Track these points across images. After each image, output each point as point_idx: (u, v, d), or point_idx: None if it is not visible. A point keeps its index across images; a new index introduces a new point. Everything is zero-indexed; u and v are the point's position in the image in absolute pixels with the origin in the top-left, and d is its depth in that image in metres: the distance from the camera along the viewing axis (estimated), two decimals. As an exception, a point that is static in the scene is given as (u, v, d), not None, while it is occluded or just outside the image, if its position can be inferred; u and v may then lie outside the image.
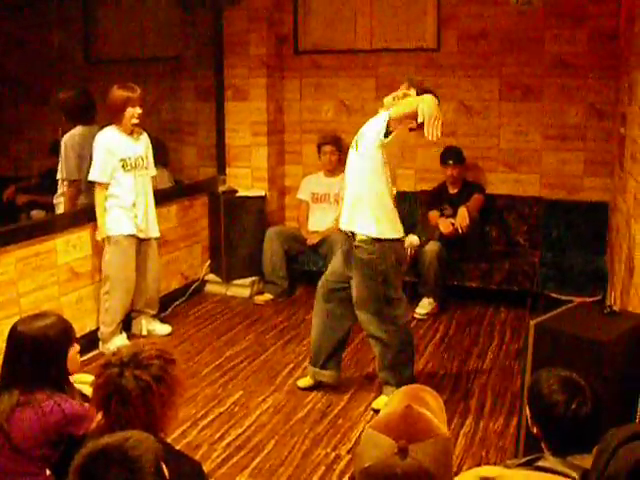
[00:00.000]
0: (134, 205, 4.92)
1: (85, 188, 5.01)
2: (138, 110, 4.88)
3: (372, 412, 4.09)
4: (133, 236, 4.94)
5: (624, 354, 2.94)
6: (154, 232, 5.13)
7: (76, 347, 2.68)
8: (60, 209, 5.06)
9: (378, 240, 3.94)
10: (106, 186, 4.84)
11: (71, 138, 5.02)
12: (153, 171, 5.15)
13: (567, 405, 2.17)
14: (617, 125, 5.33)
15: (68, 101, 5.21)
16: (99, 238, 4.87)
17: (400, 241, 4.10)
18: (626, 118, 4.62)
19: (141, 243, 5.03)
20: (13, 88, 7.13)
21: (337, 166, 6.21)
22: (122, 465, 1.47)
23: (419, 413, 1.48)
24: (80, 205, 5.07)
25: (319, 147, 6.30)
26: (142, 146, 5.02)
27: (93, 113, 5.23)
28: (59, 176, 5.03)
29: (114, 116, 4.89)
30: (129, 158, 4.89)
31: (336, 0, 6.50)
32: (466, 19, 6.07)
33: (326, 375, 4.36)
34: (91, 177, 4.82)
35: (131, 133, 4.94)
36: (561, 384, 2.23)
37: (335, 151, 6.22)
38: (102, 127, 4.94)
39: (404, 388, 1.68)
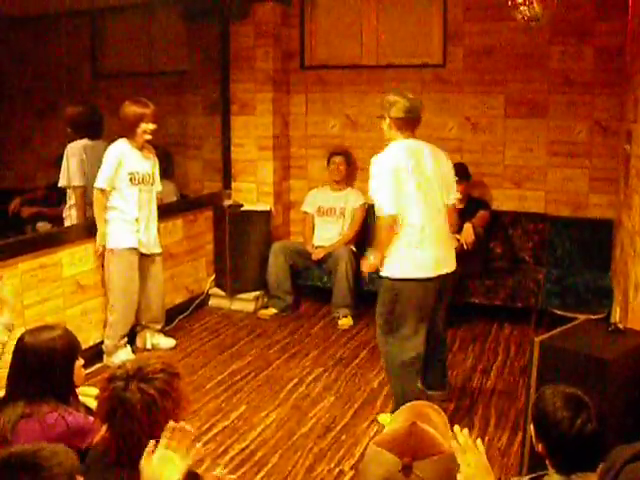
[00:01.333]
0: (137, 220, 4.93)
1: (90, 200, 5.02)
2: (150, 126, 4.89)
3: (376, 428, 4.08)
4: (135, 249, 4.95)
5: (629, 372, 2.93)
6: (156, 248, 5.13)
7: (80, 360, 2.69)
8: (69, 222, 5.07)
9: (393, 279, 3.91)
10: (107, 194, 4.85)
11: (75, 146, 5.06)
12: (159, 186, 5.17)
13: (572, 422, 2.16)
14: (622, 142, 5.33)
15: (76, 116, 5.25)
16: (98, 245, 4.87)
17: (417, 281, 3.86)
18: (631, 135, 4.62)
19: (144, 259, 5.04)
20: (20, 101, 7.17)
21: (344, 179, 6.24)
22: (30, 473, 1.49)
23: (423, 430, 1.48)
24: (88, 217, 5.08)
25: (329, 158, 6.33)
26: (150, 164, 5.03)
27: (100, 129, 5.26)
28: (61, 183, 5.04)
29: (126, 131, 4.91)
30: (137, 172, 4.91)
31: (342, 16, 6.54)
32: (472, 35, 6.09)
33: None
34: (96, 184, 4.83)
35: (142, 149, 4.96)
36: (566, 401, 2.22)
37: (344, 162, 6.25)
38: (109, 142, 4.96)
39: (409, 405, 1.68)
